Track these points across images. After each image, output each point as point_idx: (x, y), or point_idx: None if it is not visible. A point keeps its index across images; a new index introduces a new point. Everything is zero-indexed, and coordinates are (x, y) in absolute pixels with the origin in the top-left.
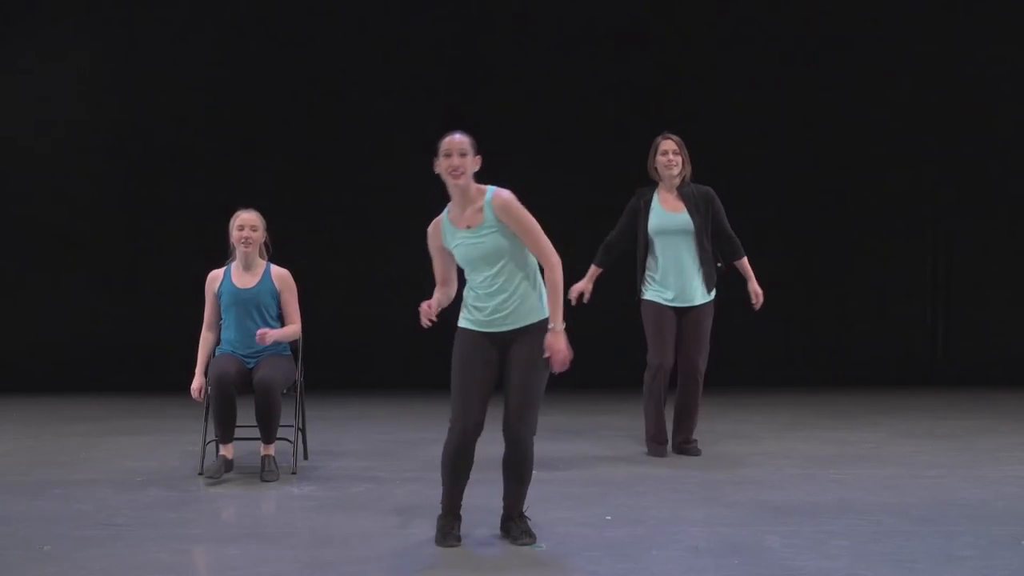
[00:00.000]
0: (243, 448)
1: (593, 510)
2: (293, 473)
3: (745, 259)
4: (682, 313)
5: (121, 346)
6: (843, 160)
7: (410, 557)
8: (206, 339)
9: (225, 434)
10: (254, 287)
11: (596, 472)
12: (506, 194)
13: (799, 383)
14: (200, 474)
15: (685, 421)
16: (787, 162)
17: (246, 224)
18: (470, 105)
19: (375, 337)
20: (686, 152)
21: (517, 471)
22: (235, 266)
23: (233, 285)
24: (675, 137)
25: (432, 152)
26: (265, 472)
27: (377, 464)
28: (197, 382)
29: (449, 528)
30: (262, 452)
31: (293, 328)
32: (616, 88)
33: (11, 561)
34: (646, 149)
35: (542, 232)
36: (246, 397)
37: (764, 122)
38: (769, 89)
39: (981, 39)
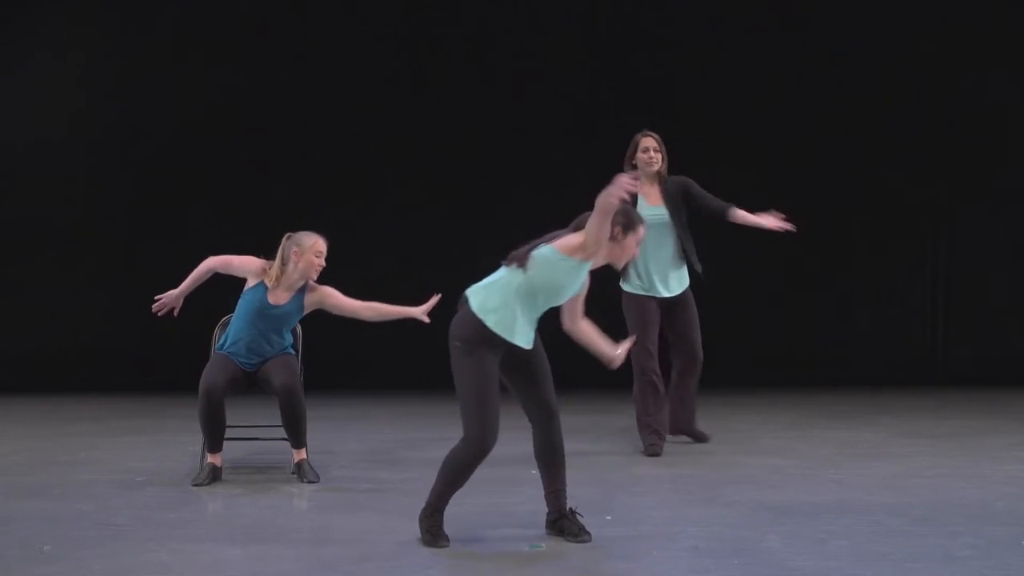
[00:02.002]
0: (245, 448)
1: (593, 510)
2: (293, 473)
3: (737, 211)
4: (669, 304)
5: (121, 346)
6: (843, 159)
7: (410, 557)
8: (207, 266)
9: (213, 444)
10: (285, 304)
11: (596, 472)
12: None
13: (799, 383)
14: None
15: (692, 407)
16: (787, 161)
17: (323, 253)
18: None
19: (375, 337)
20: (664, 149)
21: (560, 451)
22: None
23: (265, 298)
24: (655, 134)
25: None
26: (304, 475)
27: (377, 464)
28: (174, 292)
29: (438, 528)
30: (295, 459)
31: (372, 306)
32: (621, 83)
33: (11, 561)
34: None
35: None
36: (241, 398)
37: (764, 121)
38: (770, 88)
39: (981, 39)
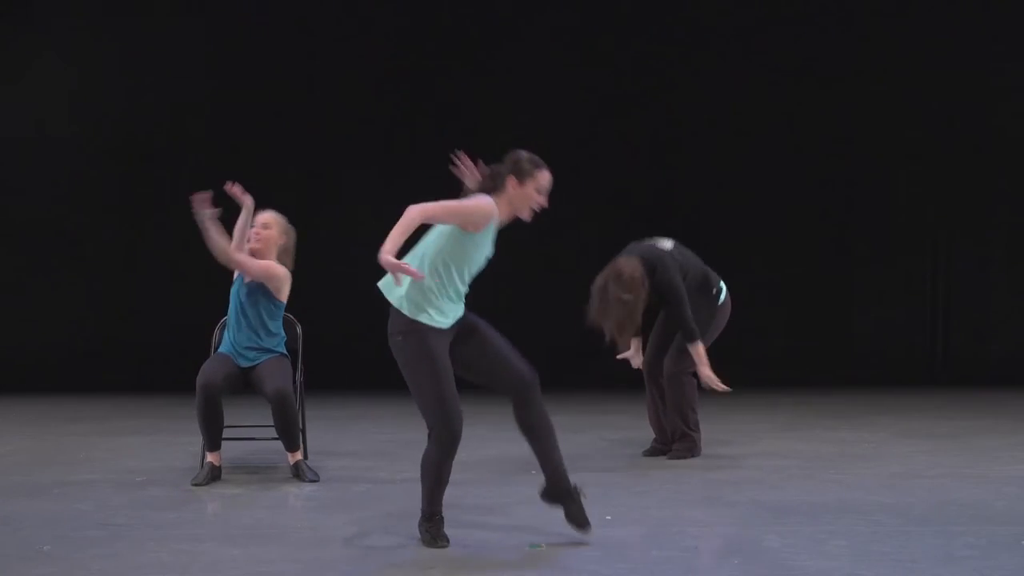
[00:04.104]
0: (245, 448)
1: (593, 510)
2: (294, 476)
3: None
4: None
5: (121, 346)
6: (844, 160)
7: (410, 557)
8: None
9: (212, 442)
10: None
11: (596, 472)
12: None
13: (799, 383)
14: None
15: (667, 419)
16: (789, 162)
17: (259, 222)
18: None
19: (375, 337)
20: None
21: (547, 422)
22: None
23: (241, 278)
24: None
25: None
26: (303, 475)
27: (377, 464)
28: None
29: (438, 529)
30: (290, 460)
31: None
32: (616, 90)
33: (11, 561)
34: (642, 152)
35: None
36: (240, 399)
37: (766, 123)
38: (771, 91)
39: (981, 43)
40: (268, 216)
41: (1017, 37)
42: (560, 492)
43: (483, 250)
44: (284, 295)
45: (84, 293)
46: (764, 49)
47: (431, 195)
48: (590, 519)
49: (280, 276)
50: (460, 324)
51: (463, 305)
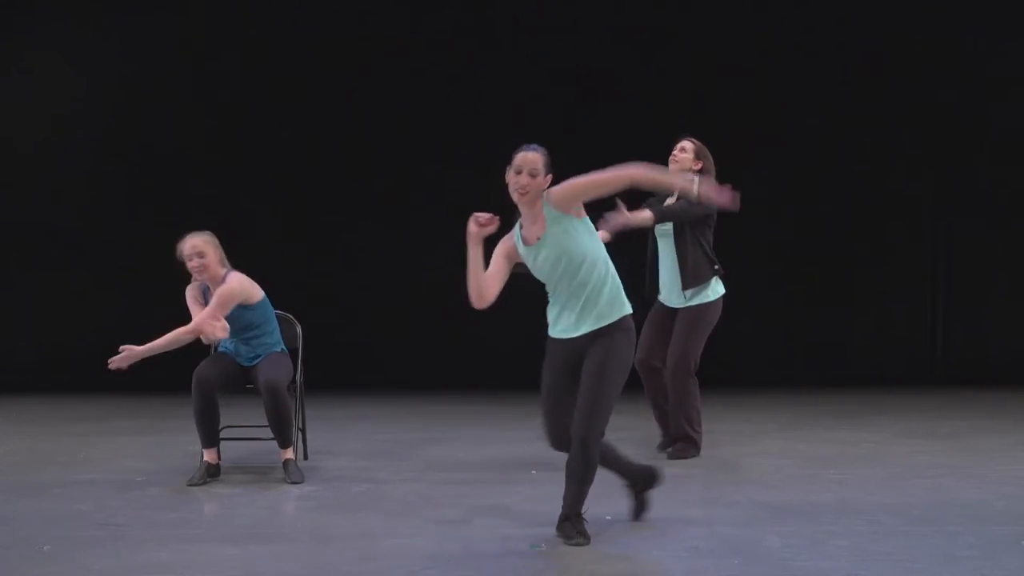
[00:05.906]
0: (245, 448)
1: (593, 510)
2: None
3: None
4: (673, 314)
5: (121, 346)
6: (843, 159)
7: (410, 557)
8: (180, 333)
9: (208, 438)
10: None
11: (596, 472)
12: (556, 187)
13: (799, 383)
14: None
15: (672, 418)
16: (787, 161)
17: (193, 253)
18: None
19: (375, 337)
20: (707, 158)
21: (579, 471)
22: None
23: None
24: (693, 140)
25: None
26: (290, 475)
27: (377, 464)
28: (137, 349)
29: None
30: (282, 457)
31: (175, 333)
32: (615, 88)
33: (11, 561)
34: (640, 151)
35: (601, 173)
36: (239, 398)
37: (764, 122)
38: (770, 88)
39: (981, 39)
40: (198, 243)
41: (1017, 34)
42: (562, 520)
43: (535, 268)
44: (256, 297)
45: (84, 293)
46: (762, 48)
47: (432, 196)
48: (587, 534)
49: (237, 293)
50: (586, 349)
51: (573, 322)
